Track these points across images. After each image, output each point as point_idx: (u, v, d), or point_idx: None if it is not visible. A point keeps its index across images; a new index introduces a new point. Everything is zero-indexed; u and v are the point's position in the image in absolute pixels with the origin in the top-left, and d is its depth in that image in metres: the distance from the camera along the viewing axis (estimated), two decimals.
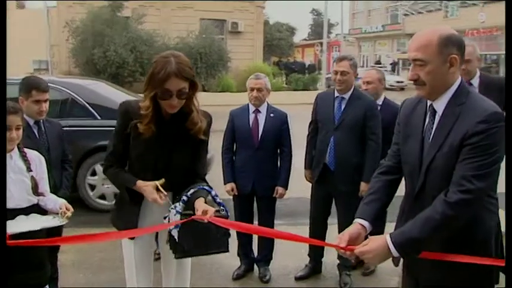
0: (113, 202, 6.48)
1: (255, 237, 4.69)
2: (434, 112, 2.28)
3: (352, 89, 4.36)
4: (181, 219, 2.62)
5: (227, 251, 2.75)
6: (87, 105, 6.57)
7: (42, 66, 26.01)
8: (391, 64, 41.69)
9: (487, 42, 33.88)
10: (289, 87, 26.03)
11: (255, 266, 4.73)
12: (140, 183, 2.67)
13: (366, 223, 2.35)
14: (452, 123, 2.18)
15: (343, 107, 4.34)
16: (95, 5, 21.65)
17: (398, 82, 34.60)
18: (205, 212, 2.50)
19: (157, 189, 2.63)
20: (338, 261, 4.55)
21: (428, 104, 2.32)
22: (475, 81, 4.34)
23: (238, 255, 4.70)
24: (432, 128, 2.27)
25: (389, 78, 34.25)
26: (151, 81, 2.55)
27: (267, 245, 4.66)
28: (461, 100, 2.20)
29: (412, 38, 2.29)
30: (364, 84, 5.01)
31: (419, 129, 2.32)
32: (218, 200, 2.72)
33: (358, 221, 2.37)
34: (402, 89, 33.39)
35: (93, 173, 6.57)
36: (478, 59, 4.32)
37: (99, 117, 6.57)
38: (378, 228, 4.13)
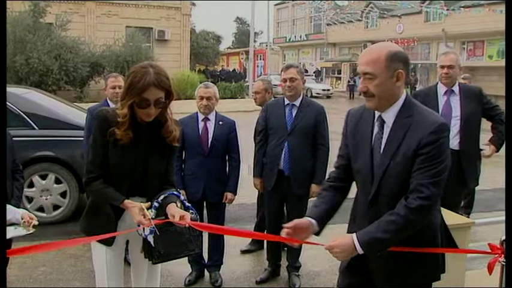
0: (52, 214, 6.42)
1: (205, 243, 4.74)
2: (383, 123, 2.43)
3: (301, 96, 4.56)
4: (154, 225, 2.67)
5: (199, 251, 2.83)
6: (23, 114, 6.37)
7: None
8: (314, 72, 42.86)
9: (405, 52, 35.60)
10: None
11: (206, 272, 4.79)
12: (127, 203, 2.68)
13: (313, 221, 2.51)
14: (403, 134, 2.35)
15: (294, 113, 4.51)
16: (14, 9, 20.77)
17: (324, 90, 35.44)
18: (182, 217, 2.58)
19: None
20: (287, 263, 4.71)
21: (376, 115, 2.47)
22: (456, 88, 4.65)
23: (189, 261, 4.73)
24: (382, 138, 2.42)
25: (315, 87, 34.96)
26: (130, 90, 2.61)
27: (218, 251, 4.73)
28: (409, 112, 2.37)
29: (363, 52, 2.47)
30: (254, 94, 5.43)
31: (368, 139, 2.47)
32: (187, 204, 2.81)
33: (306, 218, 2.53)
34: (329, 96, 34.03)
35: (31, 185, 6.36)
36: (459, 67, 4.62)
37: (36, 127, 6.38)
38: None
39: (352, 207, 2.69)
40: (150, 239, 2.66)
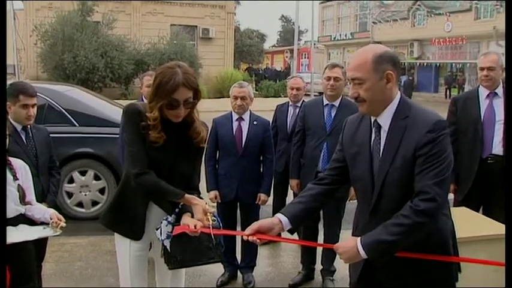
0: (90, 210, 6.52)
1: (239, 244, 4.71)
2: (379, 127, 2.36)
3: (341, 97, 4.44)
4: (172, 230, 2.66)
5: (220, 261, 2.79)
6: (64, 111, 6.50)
7: (8, 70, 25.38)
8: None
9: (452, 51, 34.73)
10: (260, 93, 26.14)
11: (239, 273, 4.74)
12: (191, 198, 2.66)
13: (284, 218, 2.45)
14: (400, 136, 2.27)
15: (333, 114, 4.40)
16: (64, 8, 21.35)
17: None
18: (195, 226, 2.56)
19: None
20: (322, 267, 4.61)
21: (372, 120, 2.39)
22: (499, 91, 4.36)
23: (222, 262, 4.69)
24: (380, 143, 2.35)
25: None
26: (159, 91, 2.57)
27: (251, 252, 4.68)
28: (405, 114, 2.29)
29: (350, 58, 2.39)
30: (292, 90, 5.50)
31: (367, 146, 2.39)
32: (210, 210, 2.74)
33: (277, 215, 2.47)
34: None
35: (71, 181, 6.48)
36: (502, 68, 4.36)
37: (76, 124, 6.50)
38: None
39: (354, 217, 2.61)
40: (167, 243, 2.65)
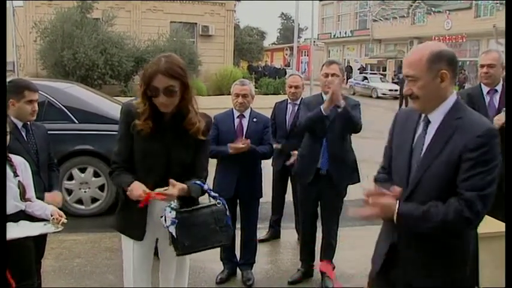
0: (90, 207, 6.53)
1: (238, 242, 4.71)
2: (428, 123, 2.36)
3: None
4: (176, 216, 2.66)
5: (228, 243, 2.80)
6: (64, 108, 6.50)
7: (8, 67, 25.32)
8: (359, 69, 42.20)
9: (452, 49, 34.20)
10: (259, 91, 26.10)
11: (238, 270, 4.75)
12: (133, 184, 2.68)
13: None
14: (449, 134, 2.26)
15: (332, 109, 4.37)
16: (63, 5, 21.29)
17: (391, 90, 31.12)
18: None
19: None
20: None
21: (422, 116, 2.40)
22: (499, 87, 4.41)
23: (221, 259, 4.71)
24: (425, 138, 2.35)
25: (381, 86, 32.14)
26: (142, 78, 2.67)
27: (250, 249, 4.69)
28: (459, 115, 2.29)
29: (407, 54, 2.41)
30: (291, 88, 5.52)
31: (410, 140, 2.41)
32: (212, 193, 2.77)
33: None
34: (396, 97, 27.64)
35: (70, 178, 6.48)
36: (502, 66, 4.38)
37: (76, 121, 6.49)
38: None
39: None
40: (172, 229, 2.65)
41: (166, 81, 2.61)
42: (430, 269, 2.32)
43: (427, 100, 2.32)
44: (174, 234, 2.66)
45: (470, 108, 2.37)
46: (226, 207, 2.80)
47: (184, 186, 2.65)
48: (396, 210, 2.25)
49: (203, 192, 2.78)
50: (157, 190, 2.59)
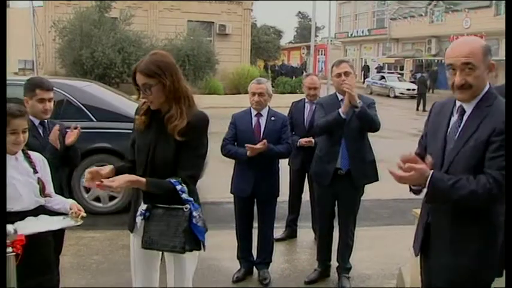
0: (108, 205, 6.57)
1: (255, 241, 4.71)
2: (463, 112, 2.48)
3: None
4: (147, 208, 2.71)
5: (182, 252, 2.63)
6: (82, 106, 6.55)
7: (27, 66, 25.64)
8: (376, 68, 41.92)
9: None
10: (276, 90, 26.07)
11: (255, 269, 4.74)
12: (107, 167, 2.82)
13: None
14: (479, 121, 2.39)
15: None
16: (82, 5, 21.51)
17: (409, 90, 30.67)
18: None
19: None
20: (337, 264, 4.59)
21: (457, 105, 2.51)
22: None
23: (238, 258, 4.71)
24: (459, 126, 2.47)
25: (399, 86, 31.84)
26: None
27: (267, 248, 4.68)
28: (489, 102, 2.42)
29: (455, 44, 2.48)
30: (310, 90, 5.50)
31: (444, 127, 2.54)
32: (184, 196, 2.64)
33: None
34: (413, 97, 27.33)
35: None
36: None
37: (94, 119, 6.54)
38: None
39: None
40: (138, 220, 2.77)
41: (142, 79, 2.67)
42: (461, 246, 2.42)
43: (477, 89, 2.42)
44: (138, 225, 2.77)
45: (499, 96, 2.47)
46: (198, 214, 2.67)
47: (137, 179, 2.61)
48: (430, 177, 2.32)
49: (174, 191, 2.63)
50: (106, 180, 2.58)
